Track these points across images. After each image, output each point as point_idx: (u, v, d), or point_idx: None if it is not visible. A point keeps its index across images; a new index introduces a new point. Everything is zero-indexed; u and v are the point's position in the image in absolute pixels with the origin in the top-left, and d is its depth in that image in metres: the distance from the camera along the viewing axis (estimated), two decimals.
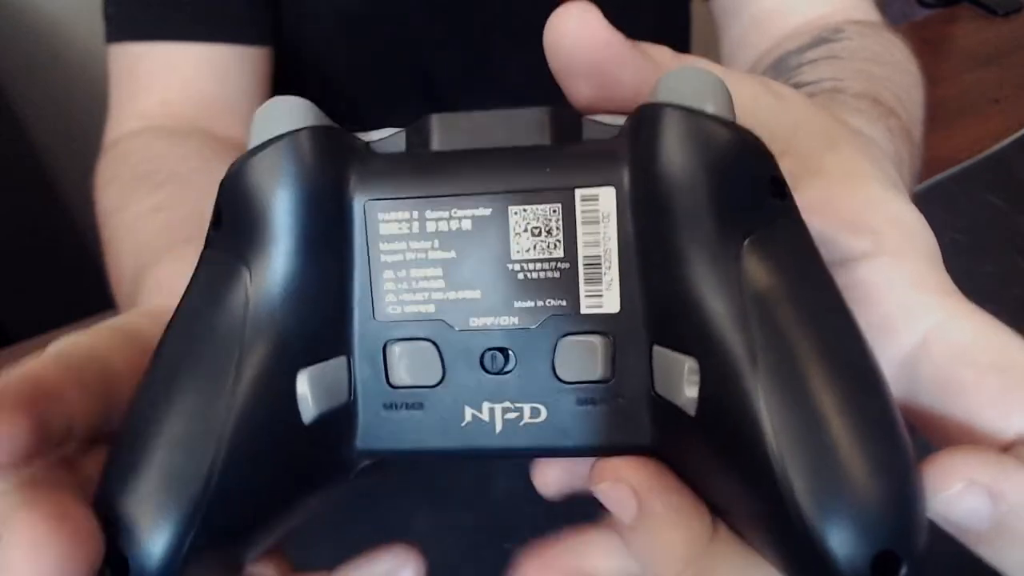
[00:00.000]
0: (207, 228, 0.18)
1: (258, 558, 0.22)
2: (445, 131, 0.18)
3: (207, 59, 0.52)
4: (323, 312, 0.17)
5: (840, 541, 0.14)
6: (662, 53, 0.20)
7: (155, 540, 0.15)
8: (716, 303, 0.15)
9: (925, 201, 0.64)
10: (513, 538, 0.46)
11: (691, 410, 0.16)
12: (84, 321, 0.58)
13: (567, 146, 0.18)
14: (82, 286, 0.86)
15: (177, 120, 0.51)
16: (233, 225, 0.17)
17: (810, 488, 0.14)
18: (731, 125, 0.16)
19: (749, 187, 0.16)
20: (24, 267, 1.20)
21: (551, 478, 0.20)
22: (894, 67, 0.42)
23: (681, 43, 0.70)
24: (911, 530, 0.14)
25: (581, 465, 0.19)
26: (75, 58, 1.11)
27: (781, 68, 0.44)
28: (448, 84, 0.64)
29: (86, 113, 1.08)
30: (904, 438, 0.15)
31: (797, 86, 0.39)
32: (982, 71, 0.79)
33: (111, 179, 0.47)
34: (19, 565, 0.14)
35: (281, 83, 0.58)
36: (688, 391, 0.16)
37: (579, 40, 0.18)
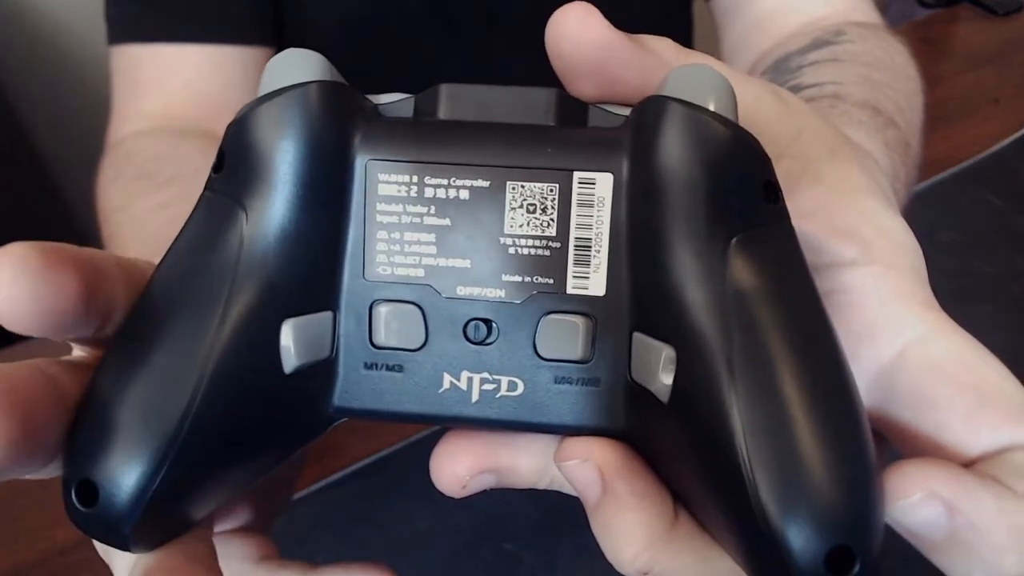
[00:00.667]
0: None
1: (241, 535, 0.22)
2: (453, 101, 0.18)
3: (209, 60, 0.52)
4: (314, 264, 0.17)
5: (797, 535, 0.14)
6: (664, 46, 0.20)
7: (127, 472, 0.15)
8: (698, 297, 0.16)
9: (925, 200, 0.64)
10: (512, 538, 0.46)
11: (664, 397, 0.16)
12: None
13: (571, 129, 0.18)
14: None
15: (180, 121, 0.51)
16: (235, 169, 0.17)
17: (772, 484, 0.14)
18: (732, 125, 0.17)
19: (742, 188, 0.16)
20: None
21: (458, 468, 0.19)
22: (895, 72, 0.42)
23: (683, 43, 0.70)
24: (867, 529, 0.15)
25: (484, 459, 0.19)
26: (75, 58, 1.11)
27: (782, 69, 0.44)
28: (455, 83, 0.64)
29: (86, 113, 1.08)
30: (867, 443, 0.15)
31: (797, 88, 0.39)
32: (982, 71, 0.79)
33: (114, 178, 0.47)
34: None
35: None
36: (663, 378, 0.16)
37: (581, 40, 0.18)
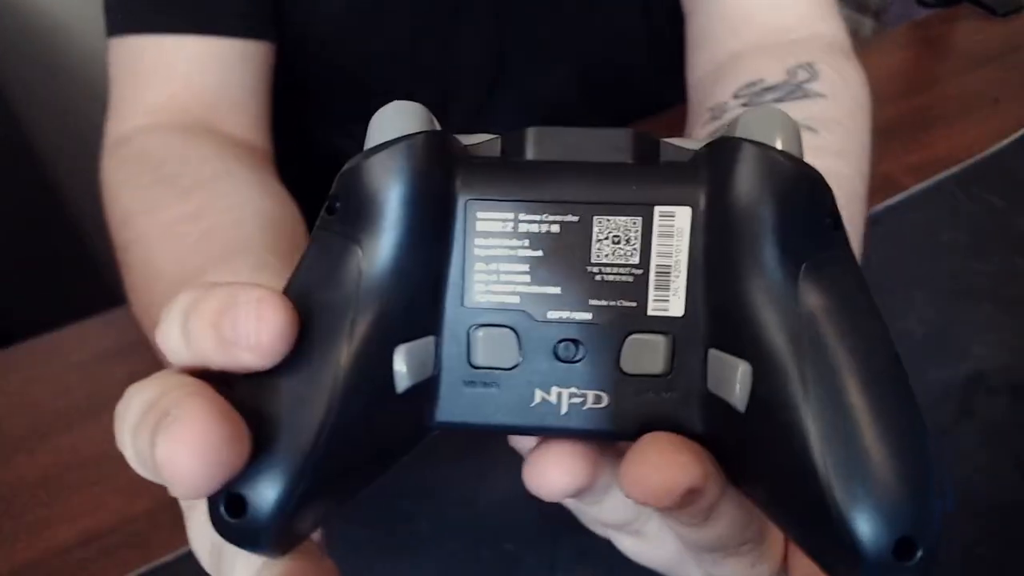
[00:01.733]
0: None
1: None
2: (539, 142, 0.20)
3: (210, 53, 0.51)
4: (421, 294, 0.19)
5: (867, 529, 0.16)
6: None
7: (273, 486, 0.17)
8: (773, 317, 0.17)
9: (925, 201, 0.64)
10: (512, 539, 0.46)
11: (742, 407, 0.18)
12: (85, 320, 0.58)
13: (650, 166, 0.20)
14: (83, 285, 0.86)
15: (183, 115, 0.50)
16: (348, 211, 0.19)
17: (844, 483, 0.16)
18: (798, 161, 0.18)
19: (810, 218, 0.18)
20: (25, 267, 1.20)
21: (551, 478, 0.20)
22: (858, 138, 0.45)
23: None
24: (927, 522, 0.16)
25: (579, 466, 0.20)
26: (75, 57, 1.11)
27: (755, 104, 0.45)
28: (456, 78, 0.64)
29: (86, 112, 1.08)
30: (926, 446, 0.17)
31: None
32: (982, 71, 0.79)
33: (129, 178, 0.47)
34: (183, 437, 0.16)
35: (288, 76, 0.58)
36: (740, 391, 0.18)
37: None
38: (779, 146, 0.18)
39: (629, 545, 0.25)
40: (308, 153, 0.66)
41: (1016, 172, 0.67)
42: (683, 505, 0.19)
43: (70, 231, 1.19)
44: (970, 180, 0.66)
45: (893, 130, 0.71)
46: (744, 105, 0.46)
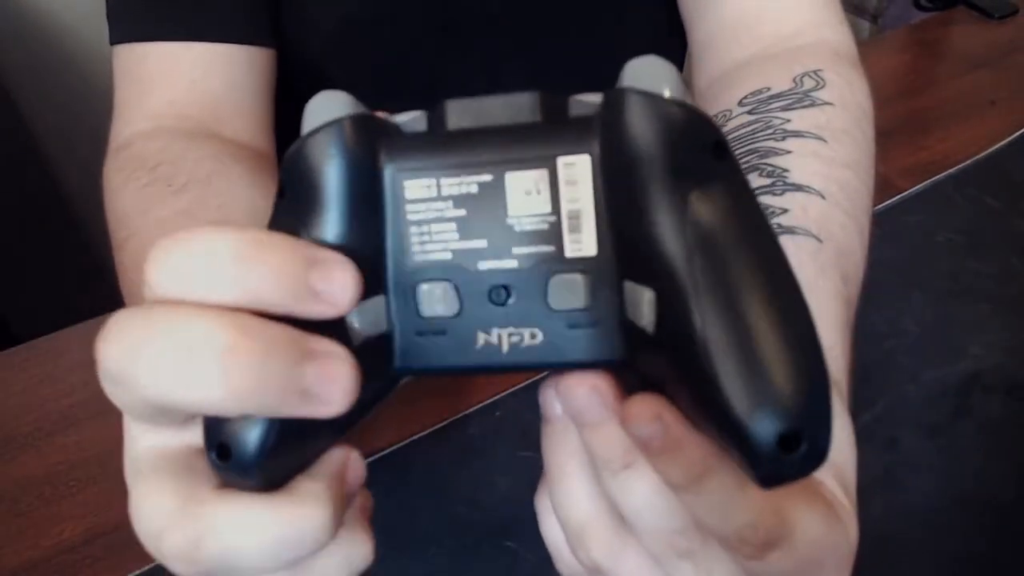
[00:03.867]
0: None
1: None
2: (456, 113, 0.22)
3: (213, 59, 0.52)
4: (364, 259, 0.21)
5: (754, 424, 0.18)
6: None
7: (247, 436, 0.20)
8: (667, 244, 0.19)
9: (922, 202, 0.64)
10: (513, 536, 0.47)
11: (651, 329, 0.20)
12: (88, 321, 0.59)
13: (554, 123, 0.22)
14: (86, 287, 0.86)
15: (186, 120, 0.50)
16: (293, 193, 0.22)
17: (735, 385, 0.18)
18: (678, 103, 0.20)
19: (693, 152, 0.20)
20: (28, 268, 1.21)
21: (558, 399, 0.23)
22: (865, 148, 0.45)
23: (679, 56, 0.71)
24: (812, 418, 0.18)
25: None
26: (79, 58, 1.11)
27: (764, 122, 0.45)
28: (449, 88, 0.64)
29: (90, 113, 1.08)
30: (814, 350, 0.19)
31: (785, 179, 0.41)
32: (978, 73, 0.79)
33: (126, 181, 0.47)
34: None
35: (284, 85, 0.58)
36: (648, 315, 0.20)
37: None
38: (664, 91, 0.20)
39: None
40: None
41: (1012, 173, 0.68)
42: (654, 447, 0.20)
43: (76, 234, 1.19)
44: (967, 181, 0.67)
45: (890, 132, 0.72)
46: (749, 113, 0.46)
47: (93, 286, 0.69)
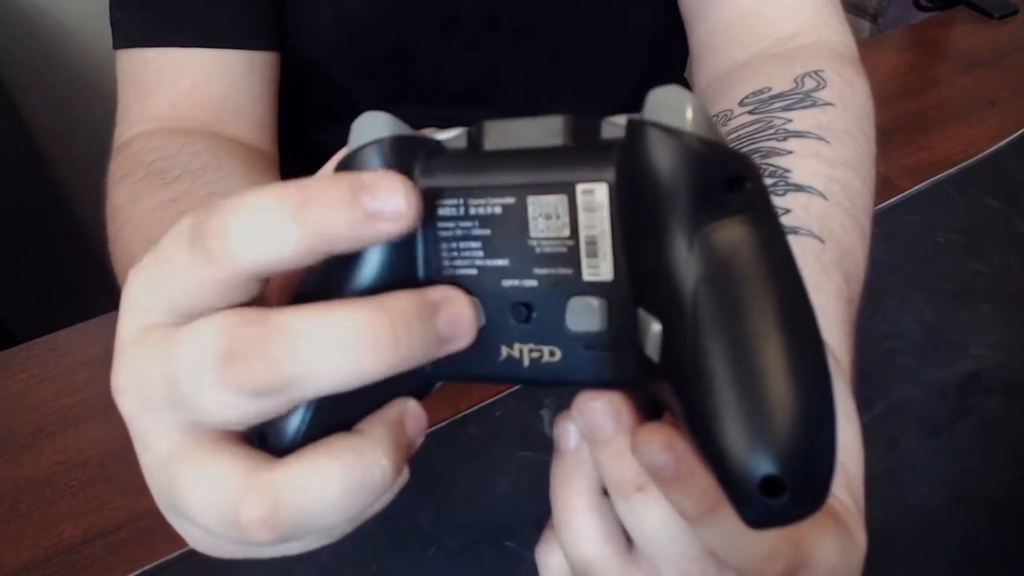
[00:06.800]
0: None
1: None
2: (492, 134, 0.23)
3: (215, 64, 0.52)
4: (401, 273, 0.22)
5: (736, 466, 0.18)
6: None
7: (283, 426, 0.21)
8: (672, 279, 0.19)
9: (923, 202, 0.64)
10: (514, 536, 0.47)
11: (656, 359, 0.20)
12: (88, 321, 0.59)
13: (577, 149, 0.22)
14: (86, 287, 0.86)
15: (187, 122, 0.51)
16: None
17: (725, 425, 0.18)
18: (697, 138, 0.20)
19: (705, 188, 0.20)
20: (28, 268, 1.21)
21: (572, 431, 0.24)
22: (867, 148, 0.45)
23: (678, 58, 0.71)
24: (799, 462, 0.18)
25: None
26: (79, 58, 1.11)
27: (766, 122, 0.45)
28: (451, 90, 0.64)
29: (90, 114, 1.08)
30: (821, 397, 0.18)
31: (787, 179, 0.41)
32: (978, 74, 0.80)
33: (122, 177, 0.47)
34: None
35: (286, 89, 0.58)
36: (654, 345, 0.20)
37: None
38: (684, 124, 0.20)
39: None
40: (306, 154, 0.67)
41: (1012, 173, 0.68)
42: (665, 478, 0.20)
43: (76, 234, 1.19)
44: (966, 182, 0.67)
45: (890, 132, 0.72)
46: (751, 113, 0.46)
47: (93, 286, 0.69)
